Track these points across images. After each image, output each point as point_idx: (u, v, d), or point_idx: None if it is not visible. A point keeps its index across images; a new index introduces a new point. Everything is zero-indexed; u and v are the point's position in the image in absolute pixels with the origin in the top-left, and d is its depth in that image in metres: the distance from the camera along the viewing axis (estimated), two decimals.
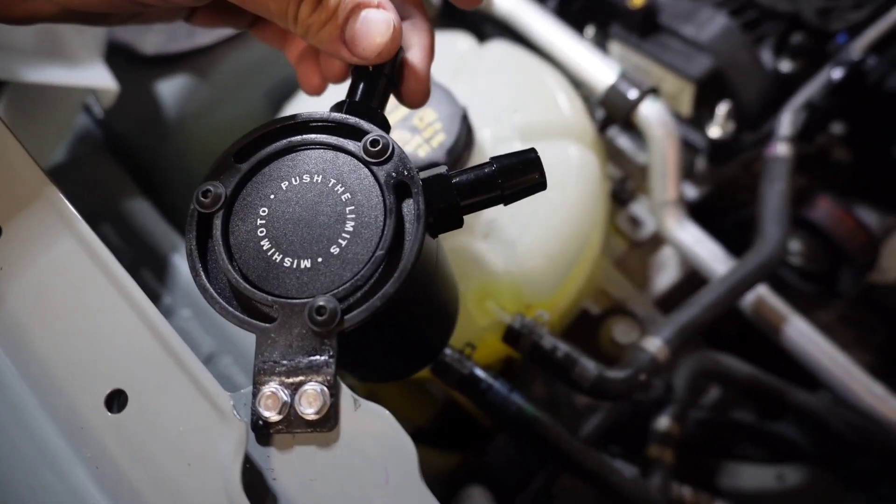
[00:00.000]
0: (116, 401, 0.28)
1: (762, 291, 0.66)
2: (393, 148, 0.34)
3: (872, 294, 0.90)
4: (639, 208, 0.79)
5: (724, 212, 0.84)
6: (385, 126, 0.38)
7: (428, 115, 0.58)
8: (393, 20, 0.35)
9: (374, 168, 0.34)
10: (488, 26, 0.89)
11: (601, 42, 0.86)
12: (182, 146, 0.72)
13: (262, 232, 0.33)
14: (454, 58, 0.71)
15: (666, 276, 0.76)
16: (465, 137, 0.58)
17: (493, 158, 0.35)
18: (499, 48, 0.72)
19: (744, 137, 0.77)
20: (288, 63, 0.88)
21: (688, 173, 0.83)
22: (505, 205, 0.36)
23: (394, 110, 0.60)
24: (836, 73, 0.69)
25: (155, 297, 0.63)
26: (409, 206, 0.33)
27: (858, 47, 0.71)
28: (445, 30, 0.76)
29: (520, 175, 0.35)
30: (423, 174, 0.35)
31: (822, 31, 0.75)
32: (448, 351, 0.57)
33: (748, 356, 0.71)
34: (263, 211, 0.33)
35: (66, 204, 0.33)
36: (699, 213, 0.85)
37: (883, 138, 0.74)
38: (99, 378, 0.28)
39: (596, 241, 0.66)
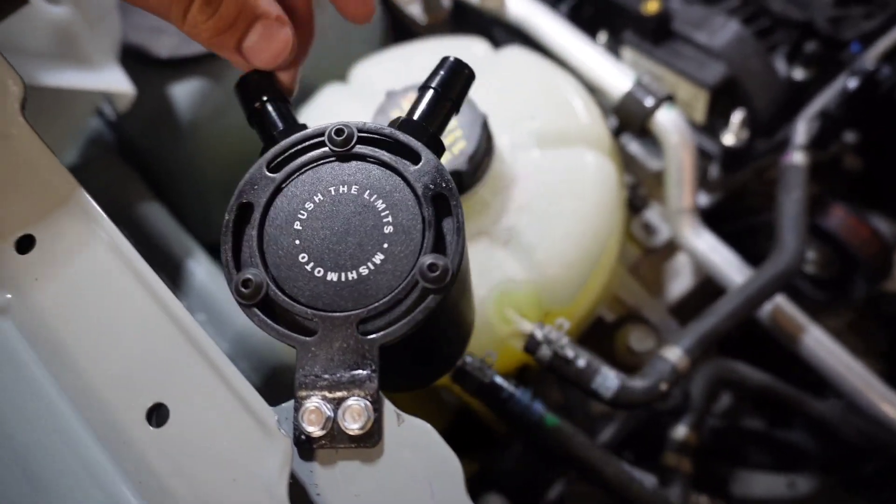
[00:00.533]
0: (157, 415, 0.28)
1: (779, 300, 0.66)
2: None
3: (880, 302, 0.90)
4: (652, 215, 0.79)
5: (734, 217, 0.84)
6: (437, 148, 0.36)
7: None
8: (290, 35, 0.36)
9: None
10: (500, 32, 0.89)
11: (613, 48, 0.86)
12: (195, 149, 0.71)
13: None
14: (469, 63, 0.70)
15: (680, 283, 0.76)
16: (485, 144, 0.58)
17: (426, 83, 0.37)
18: (515, 54, 0.72)
19: (757, 145, 0.77)
20: (308, 63, 0.88)
21: (701, 180, 0.83)
22: (457, 112, 0.38)
23: None
24: (852, 83, 0.70)
25: None
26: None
27: (872, 56, 0.71)
28: (460, 35, 0.76)
29: (456, 83, 0.37)
30: (397, 125, 0.35)
31: (834, 40, 0.76)
32: (468, 359, 0.57)
33: (752, 360, 0.71)
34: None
35: (99, 212, 0.32)
36: (709, 218, 0.85)
37: (894, 147, 0.74)
38: (140, 391, 0.28)
39: (613, 249, 0.66)
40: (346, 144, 0.34)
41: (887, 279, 0.75)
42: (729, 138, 0.75)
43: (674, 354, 0.57)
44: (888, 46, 0.73)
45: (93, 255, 0.31)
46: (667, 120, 0.69)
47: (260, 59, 0.36)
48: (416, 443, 0.29)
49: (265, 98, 0.38)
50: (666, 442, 0.64)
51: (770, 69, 0.76)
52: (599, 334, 0.74)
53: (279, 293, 0.31)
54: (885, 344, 0.92)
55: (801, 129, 0.70)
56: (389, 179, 0.34)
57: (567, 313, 0.63)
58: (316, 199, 0.34)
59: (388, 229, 0.33)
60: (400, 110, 0.60)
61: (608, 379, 0.55)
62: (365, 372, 0.29)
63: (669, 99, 0.70)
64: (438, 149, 0.37)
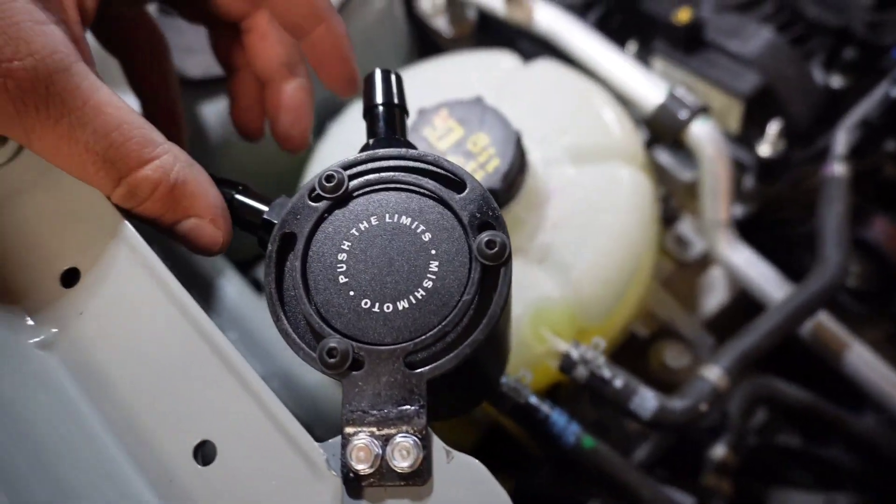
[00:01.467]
0: (204, 452, 0.27)
1: (820, 316, 0.64)
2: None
3: None
4: (685, 228, 0.78)
5: (770, 228, 0.83)
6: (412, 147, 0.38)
7: (482, 139, 0.57)
8: (221, 242, 0.36)
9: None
10: (526, 43, 0.88)
11: (643, 58, 0.84)
12: (227, 168, 0.71)
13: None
14: (499, 77, 0.70)
15: (715, 297, 0.75)
16: (519, 161, 0.57)
17: (370, 103, 0.39)
18: (544, 67, 0.71)
19: (794, 155, 0.75)
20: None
21: (735, 191, 0.82)
22: (408, 114, 0.40)
23: (446, 134, 0.59)
24: (894, 91, 0.68)
25: None
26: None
27: None
28: (488, 49, 0.76)
29: (393, 90, 0.39)
30: (381, 139, 0.37)
31: (873, 45, 0.74)
32: (503, 379, 0.56)
33: (784, 374, 0.69)
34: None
35: (143, 244, 0.32)
36: (744, 229, 0.83)
37: None
38: (187, 428, 0.27)
39: (647, 264, 0.65)
40: (375, 170, 0.34)
41: None
42: (765, 149, 0.73)
43: (714, 374, 0.56)
44: None
45: (137, 289, 0.31)
46: (701, 132, 0.68)
47: (189, 247, 0.36)
48: (465, 480, 0.28)
49: (232, 193, 0.39)
50: (704, 462, 0.63)
51: (807, 77, 0.74)
52: (633, 350, 0.72)
53: (324, 326, 0.31)
54: None
55: (841, 140, 0.69)
56: (434, 207, 0.33)
57: (602, 330, 0.62)
58: (361, 227, 0.33)
59: (433, 259, 0.32)
60: (432, 128, 0.60)
61: (646, 399, 0.54)
62: (413, 408, 0.29)
63: (704, 111, 0.69)
64: None
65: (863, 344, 0.63)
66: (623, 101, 0.73)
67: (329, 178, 0.34)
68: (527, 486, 0.66)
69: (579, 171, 0.62)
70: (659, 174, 0.84)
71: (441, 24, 0.98)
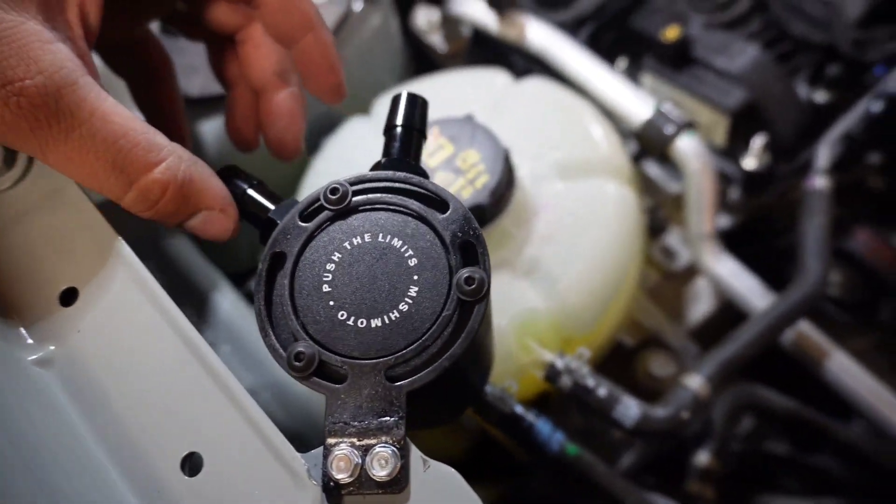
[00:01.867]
0: (191, 463, 0.29)
1: (802, 325, 0.66)
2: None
3: None
4: (671, 239, 0.79)
5: (756, 239, 0.84)
6: (424, 177, 0.38)
7: (471, 156, 0.59)
8: (231, 228, 0.38)
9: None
10: (519, 60, 0.90)
11: (633, 74, 0.86)
12: None
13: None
14: (491, 94, 0.72)
15: (700, 307, 0.76)
16: (507, 177, 0.59)
17: (390, 123, 0.40)
18: (536, 84, 0.73)
19: (779, 168, 0.77)
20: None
21: (721, 203, 0.83)
22: (425, 139, 0.41)
23: (436, 151, 0.61)
24: (875, 106, 0.69)
25: None
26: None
27: None
28: (481, 66, 0.78)
29: (416, 113, 0.40)
30: (385, 163, 0.38)
31: (857, 62, 0.75)
32: (489, 389, 0.58)
33: (772, 383, 0.71)
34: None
35: (137, 262, 0.34)
36: (730, 239, 0.85)
37: None
38: (175, 441, 0.29)
39: (633, 276, 0.66)
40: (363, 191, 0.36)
41: None
42: (750, 162, 0.75)
43: (695, 382, 0.57)
44: None
45: (131, 306, 0.32)
46: (687, 146, 0.69)
47: (203, 237, 0.38)
48: (441, 487, 0.30)
49: (245, 186, 0.41)
50: (688, 469, 0.64)
51: (791, 93, 0.76)
52: (619, 359, 0.74)
53: (309, 341, 0.33)
54: None
55: (823, 153, 0.70)
56: (417, 228, 0.35)
57: (587, 340, 0.64)
58: (346, 247, 0.35)
59: (414, 277, 0.34)
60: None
61: (629, 408, 0.55)
62: (392, 419, 0.31)
63: (690, 126, 0.71)
64: (425, 178, 0.39)
65: (844, 352, 0.65)
66: (612, 116, 0.75)
67: (334, 190, 0.36)
68: (519, 492, 0.67)
69: (567, 186, 0.64)
70: (647, 186, 0.86)
71: (436, 40, 1.00)
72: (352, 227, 0.35)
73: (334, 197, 0.36)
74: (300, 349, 0.31)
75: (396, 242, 0.35)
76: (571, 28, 0.88)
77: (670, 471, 0.69)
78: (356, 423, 0.31)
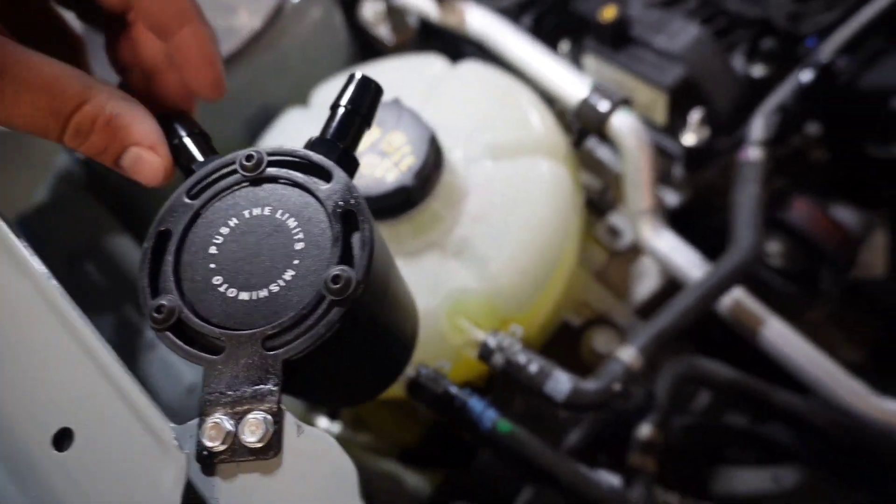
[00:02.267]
0: (63, 439, 0.29)
1: (739, 295, 0.66)
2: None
3: (861, 290, 0.89)
4: (617, 218, 0.80)
5: (704, 216, 0.85)
6: (350, 164, 0.37)
7: (396, 138, 0.60)
8: (164, 166, 0.38)
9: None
10: (469, 48, 0.90)
11: (577, 56, 0.87)
12: (168, 185, 0.73)
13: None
14: (427, 80, 0.72)
15: (646, 284, 0.77)
16: (433, 159, 0.59)
17: (335, 102, 0.38)
18: (471, 68, 0.73)
19: (719, 143, 0.77)
20: (266, 92, 0.89)
21: (666, 180, 0.84)
22: (369, 127, 0.39)
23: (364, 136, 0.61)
24: (806, 76, 0.70)
25: (138, 332, 0.65)
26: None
27: (828, 49, 0.71)
28: (418, 53, 0.78)
29: (364, 98, 0.38)
30: (311, 143, 0.37)
31: (792, 35, 0.76)
32: (423, 370, 0.58)
33: (739, 359, 0.71)
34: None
35: (8, 232, 0.34)
36: (681, 218, 0.85)
37: (857, 137, 0.74)
38: (47, 418, 0.29)
39: (570, 254, 0.67)
40: (256, 169, 0.36)
41: (854, 267, 0.75)
42: (689, 138, 0.76)
43: (627, 354, 0.58)
44: (846, 38, 0.72)
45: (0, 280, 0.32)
46: (622, 123, 0.70)
47: (136, 178, 0.39)
48: (315, 452, 0.30)
49: (182, 134, 0.40)
50: (630, 442, 0.65)
51: (728, 68, 0.76)
52: (566, 339, 0.74)
53: (191, 316, 0.33)
54: (869, 332, 0.92)
55: (758, 126, 0.71)
56: (302, 199, 0.35)
57: (526, 320, 0.64)
58: (231, 223, 0.35)
59: (298, 246, 0.34)
60: None
61: (560, 382, 0.56)
62: (267, 387, 0.31)
63: (625, 102, 0.71)
64: (352, 164, 0.38)
65: (781, 320, 0.65)
66: (553, 97, 0.75)
67: (249, 157, 0.36)
68: (461, 475, 0.67)
69: (498, 166, 0.64)
70: (596, 167, 0.86)
71: (383, 31, 1.00)
72: (257, 198, 0.36)
73: (249, 164, 0.36)
74: (163, 302, 0.32)
75: (291, 222, 0.35)
76: (516, 12, 0.89)
77: (621, 447, 0.69)
78: (231, 392, 0.31)
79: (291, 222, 0.35)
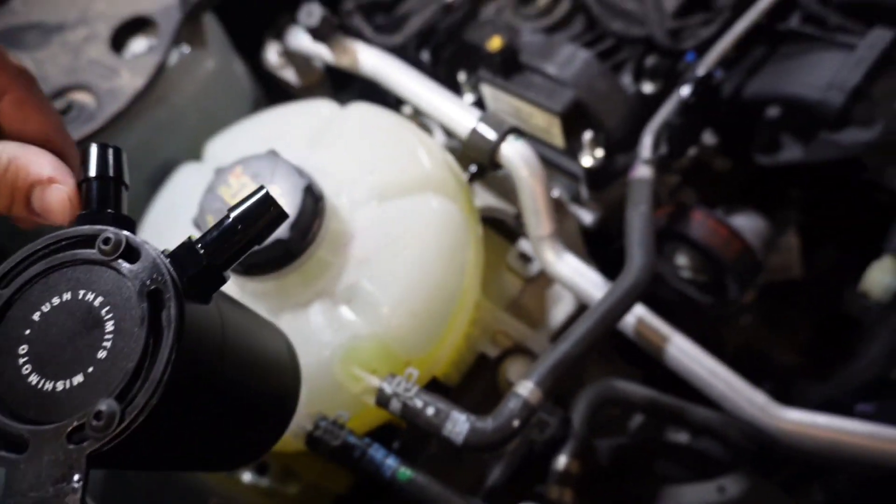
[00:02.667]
0: None
1: (641, 312, 0.66)
2: (144, 251, 0.34)
3: (789, 292, 0.91)
4: (527, 244, 0.80)
5: (619, 233, 0.85)
6: (213, 280, 0.36)
7: (272, 191, 0.58)
8: (68, 193, 0.38)
9: (128, 275, 0.33)
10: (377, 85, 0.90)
11: (475, 85, 0.87)
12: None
13: (23, 357, 0.33)
14: (314, 125, 0.72)
15: (561, 309, 0.76)
16: (311, 208, 0.58)
17: (230, 209, 0.36)
18: (359, 110, 0.73)
19: (617, 161, 0.78)
20: (163, 148, 0.87)
21: (577, 200, 0.84)
22: (259, 245, 0.37)
23: (239, 191, 0.60)
24: (685, 91, 0.71)
25: None
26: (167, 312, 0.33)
27: (707, 63, 0.73)
28: (306, 99, 0.78)
29: (258, 216, 0.36)
30: (173, 250, 0.35)
31: (674, 51, 0.77)
32: (321, 422, 0.57)
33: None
34: (24, 336, 0.33)
35: None
36: (597, 237, 0.85)
37: (744, 146, 0.75)
38: None
39: (469, 288, 0.66)
40: (66, 249, 0.35)
41: (762, 273, 0.75)
42: (586, 160, 0.76)
43: (525, 389, 0.57)
44: (724, 50, 0.74)
45: None
46: (512, 152, 0.70)
47: (49, 217, 0.38)
48: None
49: (107, 177, 0.39)
50: (548, 474, 0.63)
51: (617, 88, 0.77)
52: (484, 371, 0.73)
53: None
54: (800, 332, 0.93)
55: (647, 143, 0.71)
56: (113, 279, 0.34)
57: (428, 360, 0.63)
58: (44, 308, 0.34)
59: (109, 328, 0.33)
60: (227, 186, 0.61)
61: (458, 423, 0.55)
62: (70, 485, 0.29)
63: (514, 131, 0.71)
64: (214, 281, 0.36)
65: (682, 336, 0.65)
66: (449, 131, 0.75)
67: (15, 263, 0.34)
68: None
69: (385, 207, 0.63)
70: (510, 194, 0.86)
71: (289, 75, 1.00)
72: (67, 281, 0.34)
73: (54, 246, 0.35)
74: None
75: (101, 306, 0.33)
76: (414, 47, 0.89)
77: (541, 479, 0.68)
78: (34, 493, 0.29)
79: (101, 305, 0.33)
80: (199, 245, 0.35)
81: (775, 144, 0.72)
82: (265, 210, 0.36)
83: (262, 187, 0.37)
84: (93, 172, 0.39)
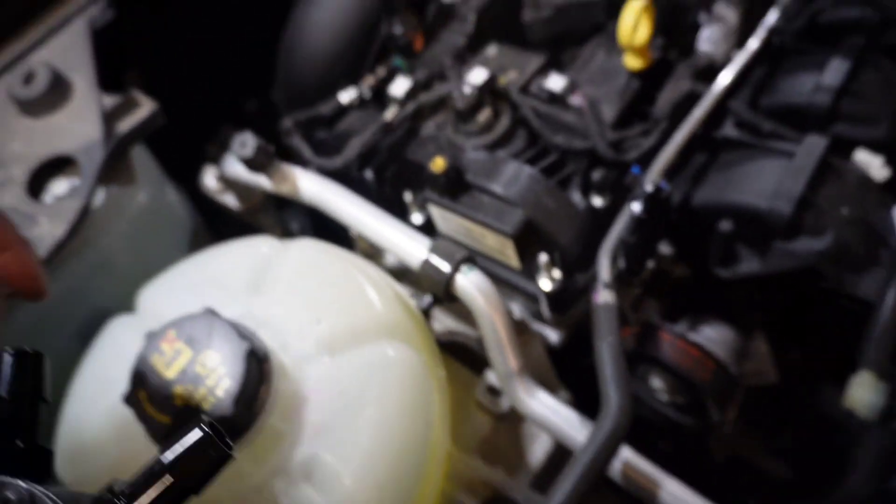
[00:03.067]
0: None
1: (627, 455, 0.62)
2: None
3: (768, 397, 0.88)
4: (494, 376, 0.75)
5: (587, 351, 0.81)
6: (43, 461, 0.31)
7: (210, 358, 0.52)
8: (27, 264, 0.42)
9: None
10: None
11: (423, 204, 0.84)
12: None
13: None
14: (253, 267, 0.66)
15: (539, 447, 0.71)
16: (255, 376, 0.52)
17: (161, 449, 0.30)
18: (301, 249, 0.68)
19: (577, 280, 0.75)
20: (93, 295, 0.80)
21: (541, 318, 0.80)
22: (198, 494, 0.30)
23: (174, 359, 0.53)
24: (636, 207, 0.69)
25: None
26: None
27: (653, 176, 0.72)
28: (245, 236, 0.72)
29: (194, 463, 0.30)
30: None
31: (618, 163, 0.77)
32: None
33: None
34: None
35: None
36: (564, 355, 0.81)
37: (701, 258, 0.74)
38: None
39: (439, 441, 0.60)
40: None
41: (735, 393, 0.73)
42: (545, 283, 0.73)
43: None
44: (667, 161, 0.73)
45: None
46: (467, 283, 0.66)
47: (14, 286, 0.42)
48: None
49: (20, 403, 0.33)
50: None
51: (565, 203, 0.75)
52: None
53: None
54: (785, 438, 0.89)
55: (604, 265, 0.69)
56: None
57: None
58: None
59: None
60: (160, 354, 0.54)
61: None
62: None
63: (468, 261, 0.68)
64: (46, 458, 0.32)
65: (674, 480, 0.60)
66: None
67: None
68: None
69: (337, 361, 0.58)
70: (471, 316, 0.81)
71: (229, 199, 0.95)
72: None
73: None
74: None
75: None
76: (357, 166, 0.86)
77: None
78: None
79: None
80: (121, 500, 0.29)
81: (732, 257, 0.71)
82: (203, 453, 0.30)
83: (199, 418, 0.31)
84: (3, 391, 0.32)
